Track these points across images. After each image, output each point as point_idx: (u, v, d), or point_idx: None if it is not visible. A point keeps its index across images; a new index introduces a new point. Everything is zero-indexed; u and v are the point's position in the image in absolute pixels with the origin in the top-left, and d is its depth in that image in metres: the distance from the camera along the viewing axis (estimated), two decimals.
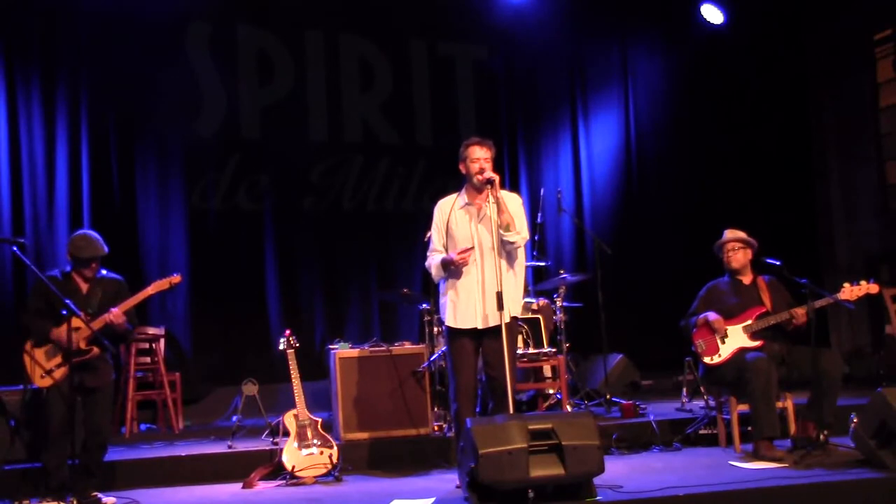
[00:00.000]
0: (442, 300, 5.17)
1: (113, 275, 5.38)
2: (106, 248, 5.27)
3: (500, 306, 4.73)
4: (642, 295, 9.19)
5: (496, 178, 4.97)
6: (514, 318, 5.07)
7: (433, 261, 5.14)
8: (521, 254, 5.14)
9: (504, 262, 4.98)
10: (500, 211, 4.94)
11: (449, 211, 5.12)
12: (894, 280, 9.02)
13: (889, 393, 5.00)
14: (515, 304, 5.10)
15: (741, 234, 6.00)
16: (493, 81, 9.42)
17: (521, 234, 5.02)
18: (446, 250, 5.11)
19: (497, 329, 4.79)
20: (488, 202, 4.97)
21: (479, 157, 5.05)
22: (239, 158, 8.36)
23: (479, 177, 5.00)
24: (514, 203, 5.13)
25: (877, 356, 8.75)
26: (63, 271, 5.29)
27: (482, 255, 5.00)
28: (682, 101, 9.89)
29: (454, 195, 5.19)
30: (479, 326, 4.97)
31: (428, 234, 5.33)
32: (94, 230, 5.43)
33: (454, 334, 5.06)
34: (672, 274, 9.05)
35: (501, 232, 4.95)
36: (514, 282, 5.10)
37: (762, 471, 5.10)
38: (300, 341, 5.96)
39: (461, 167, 5.16)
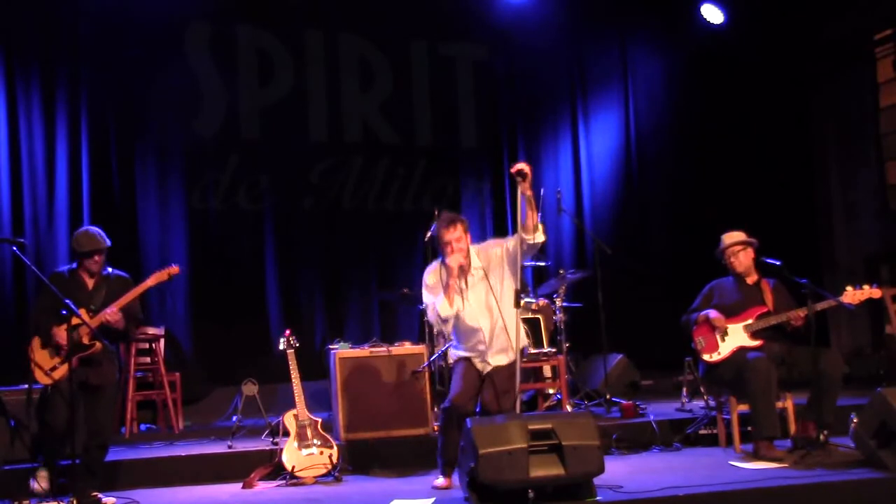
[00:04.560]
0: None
1: (119, 272, 5.40)
2: (108, 242, 5.29)
3: (517, 303, 4.82)
4: (642, 295, 9.18)
5: (525, 167, 4.83)
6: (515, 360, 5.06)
7: (434, 302, 5.11)
8: (511, 294, 4.99)
9: (504, 306, 4.99)
10: (532, 207, 4.90)
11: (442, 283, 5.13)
12: (894, 280, 9.02)
13: (889, 393, 5.00)
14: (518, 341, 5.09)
15: (741, 236, 5.99)
16: (493, 81, 9.42)
17: (539, 234, 5.02)
18: None
19: (501, 372, 5.00)
20: (520, 191, 4.89)
21: (450, 239, 5.05)
22: (239, 158, 8.36)
23: (511, 170, 4.92)
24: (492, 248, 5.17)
25: (877, 356, 8.76)
26: (70, 268, 5.31)
27: (479, 316, 5.09)
28: (682, 101, 9.89)
29: (436, 267, 5.19)
30: (485, 372, 5.12)
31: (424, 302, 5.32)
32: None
33: (467, 366, 5.21)
34: (672, 274, 9.05)
35: (526, 236, 4.94)
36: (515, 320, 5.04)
37: (762, 471, 5.10)
38: (300, 341, 5.95)
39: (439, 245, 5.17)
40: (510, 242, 5.13)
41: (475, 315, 5.11)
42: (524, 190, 4.83)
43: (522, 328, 5.24)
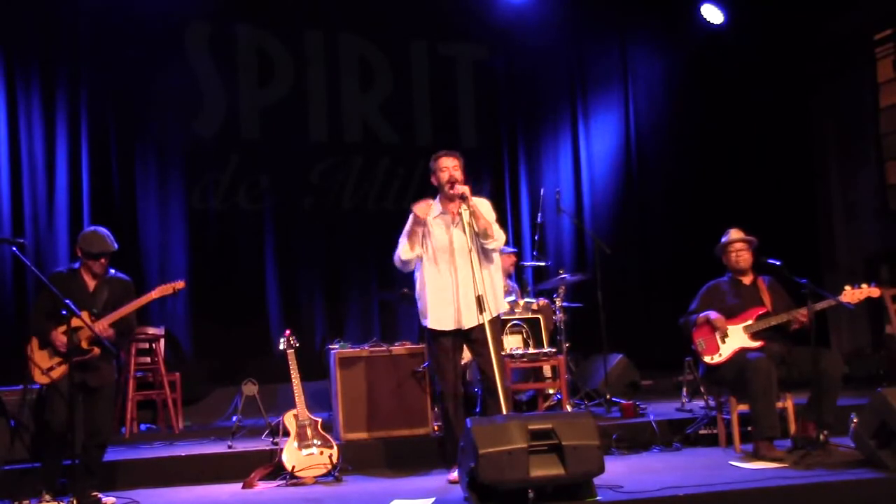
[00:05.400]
0: (419, 303, 5.33)
1: (121, 275, 5.37)
2: (115, 245, 5.28)
3: (482, 309, 4.86)
4: (642, 295, 9.19)
5: (467, 190, 5.13)
6: (497, 316, 5.25)
7: (400, 243, 5.27)
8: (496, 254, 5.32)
9: (481, 264, 5.09)
10: (476, 218, 5.12)
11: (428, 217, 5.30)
12: (894, 280, 9.02)
13: (889, 393, 5.00)
14: (497, 302, 5.26)
15: (742, 234, 6.00)
16: (493, 81, 9.42)
17: (498, 239, 5.21)
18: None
19: (479, 329, 4.97)
20: (461, 211, 5.13)
21: (448, 165, 5.26)
22: (239, 158, 8.37)
23: (451, 190, 5.17)
24: (485, 208, 5.31)
25: (877, 356, 8.75)
26: (71, 268, 5.29)
27: (456, 258, 5.17)
28: (682, 101, 9.89)
29: (430, 202, 5.36)
30: (463, 327, 5.15)
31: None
32: None
33: (434, 336, 5.26)
34: (672, 274, 9.05)
35: (480, 240, 5.13)
36: (491, 280, 5.25)
37: (762, 471, 5.10)
38: (300, 341, 5.95)
39: (433, 180, 5.37)
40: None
41: (455, 251, 5.17)
42: (467, 205, 5.09)
43: (500, 289, 5.34)
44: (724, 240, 6.01)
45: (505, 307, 5.43)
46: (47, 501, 4.93)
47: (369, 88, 8.94)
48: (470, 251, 5.02)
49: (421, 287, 5.31)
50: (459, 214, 5.15)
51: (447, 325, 5.18)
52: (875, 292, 5.60)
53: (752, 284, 5.94)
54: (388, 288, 8.41)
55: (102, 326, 5.04)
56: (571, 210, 9.33)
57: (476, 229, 5.09)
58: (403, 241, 5.25)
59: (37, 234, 7.54)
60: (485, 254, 5.20)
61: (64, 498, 4.94)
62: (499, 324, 5.47)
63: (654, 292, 9.14)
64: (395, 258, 5.31)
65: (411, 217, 5.25)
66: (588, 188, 9.61)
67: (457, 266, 5.15)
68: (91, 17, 7.84)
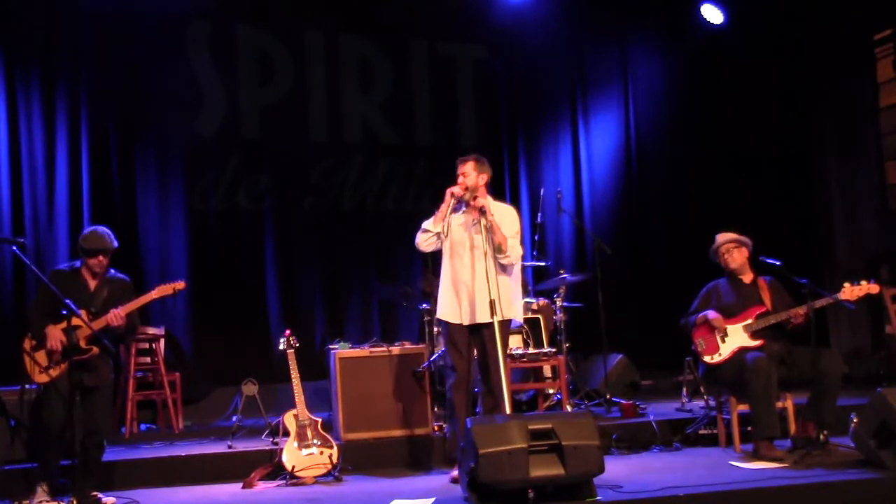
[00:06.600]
0: (440, 297, 5.42)
1: (121, 275, 5.39)
2: (115, 243, 5.28)
3: (493, 313, 4.96)
4: (642, 295, 9.19)
5: (487, 204, 5.27)
6: (508, 320, 5.33)
7: (424, 225, 5.38)
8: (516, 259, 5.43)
9: (496, 268, 5.22)
10: (493, 233, 5.21)
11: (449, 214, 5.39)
12: (894, 280, 9.01)
13: (889, 393, 5.00)
14: (511, 306, 5.33)
15: (733, 235, 6.01)
16: (493, 81, 9.41)
17: (511, 256, 5.28)
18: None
19: (487, 328, 5.12)
20: (479, 219, 5.27)
21: (459, 172, 5.39)
22: (239, 158, 8.37)
23: (473, 202, 5.31)
24: (509, 218, 5.40)
25: (877, 356, 8.75)
26: (72, 266, 5.30)
27: (474, 256, 5.28)
28: (682, 102, 9.88)
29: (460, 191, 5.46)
30: (473, 322, 5.24)
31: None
32: None
33: (446, 327, 5.37)
34: (672, 274, 9.05)
35: (495, 253, 5.24)
36: (511, 284, 5.38)
37: (762, 471, 5.11)
38: (300, 341, 5.96)
39: None
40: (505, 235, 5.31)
41: (471, 250, 5.27)
42: (486, 219, 5.23)
43: (515, 296, 5.42)
44: (714, 244, 6.03)
45: (518, 315, 5.55)
46: (46, 502, 4.93)
47: (369, 88, 8.93)
48: (486, 254, 5.16)
49: (441, 277, 5.46)
50: (479, 220, 5.27)
51: (457, 317, 5.29)
52: (874, 289, 5.60)
53: (753, 284, 5.95)
54: (389, 288, 8.41)
55: (118, 313, 5.04)
56: (571, 210, 9.33)
57: (492, 242, 5.20)
58: (431, 219, 5.35)
59: (37, 234, 7.53)
60: (500, 265, 5.30)
61: (64, 498, 4.94)
62: (507, 327, 5.53)
63: (654, 292, 9.14)
64: (417, 236, 5.40)
65: (446, 196, 5.33)
66: (588, 188, 9.61)
67: (473, 264, 5.26)
68: (91, 17, 7.83)
